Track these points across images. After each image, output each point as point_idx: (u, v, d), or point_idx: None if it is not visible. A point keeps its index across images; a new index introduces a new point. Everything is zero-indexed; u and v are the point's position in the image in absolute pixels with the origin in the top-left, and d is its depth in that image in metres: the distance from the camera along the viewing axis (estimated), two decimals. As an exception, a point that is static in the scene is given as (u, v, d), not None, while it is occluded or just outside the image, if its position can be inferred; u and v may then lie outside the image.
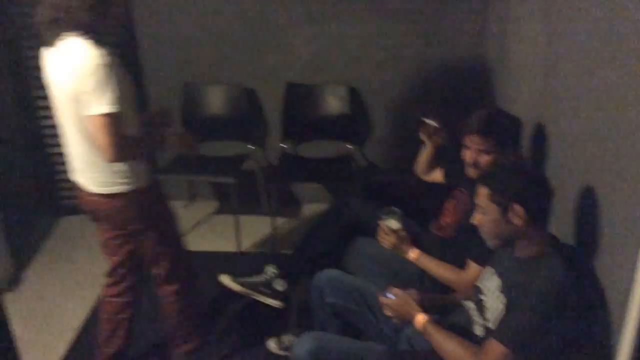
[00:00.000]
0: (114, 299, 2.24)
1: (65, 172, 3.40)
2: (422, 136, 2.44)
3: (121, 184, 1.98)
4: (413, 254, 2.17)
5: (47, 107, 3.25)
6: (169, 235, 2.18)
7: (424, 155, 2.53)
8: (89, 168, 1.99)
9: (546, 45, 2.20)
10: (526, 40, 2.46)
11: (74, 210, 3.52)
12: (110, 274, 2.22)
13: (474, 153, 2.08)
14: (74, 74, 1.79)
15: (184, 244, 2.27)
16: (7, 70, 3.24)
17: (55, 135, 3.34)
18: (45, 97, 3.13)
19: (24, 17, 3.14)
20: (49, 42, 1.86)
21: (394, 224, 2.17)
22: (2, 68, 3.22)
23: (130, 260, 2.19)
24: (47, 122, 3.34)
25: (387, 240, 2.18)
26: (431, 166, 2.53)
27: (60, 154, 3.36)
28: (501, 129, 2.06)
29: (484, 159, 2.04)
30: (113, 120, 1.80)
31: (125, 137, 1.85)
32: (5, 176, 3.18)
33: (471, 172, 2.11)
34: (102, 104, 1.78)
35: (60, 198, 3.57)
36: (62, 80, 1.85)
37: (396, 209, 2.20)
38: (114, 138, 1.80)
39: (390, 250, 2.19)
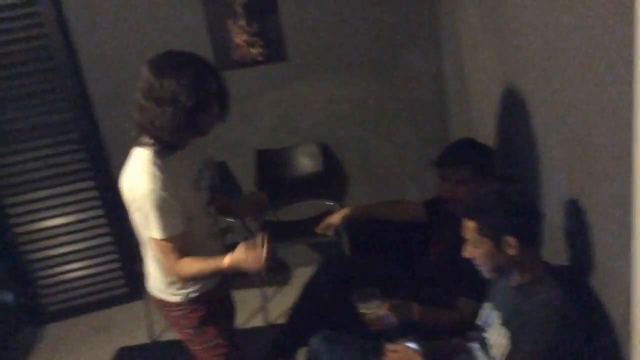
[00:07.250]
0: None
1: (46, 276, 3.31)
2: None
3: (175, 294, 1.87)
4: (416, 312, 1.99)
5: (18, 214, 3.20)
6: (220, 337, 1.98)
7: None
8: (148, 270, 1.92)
9: (498, 65, 2.22)
10: (481, 66, 2.49)
11: (59, 316, 3.40)
12: None
13: (451, 185, 2.05)
14: (126, 188, 1.72)
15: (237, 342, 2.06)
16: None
17: (30, 241, 3.27)
18: (15, 204, 3.11)
19: None
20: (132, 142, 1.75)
21: (378, 307, 1.96)
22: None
23: None
24: (20, 229, 3.26)
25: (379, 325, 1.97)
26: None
27: (41, 259, 3.27)
28: (475, 157, 2.06)
29: (462, 190, 2.01)
30: (168, 244, 1.71)
31: (187, 258, 1.73)
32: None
33: (452, 207, 2.07)
34: (152, 230, 1.70)
35: (43, 305, 3.42)
36: (123, 187, 1.75)
37: (370, 290, 1.99)
38: (169, 260, 1.73)
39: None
